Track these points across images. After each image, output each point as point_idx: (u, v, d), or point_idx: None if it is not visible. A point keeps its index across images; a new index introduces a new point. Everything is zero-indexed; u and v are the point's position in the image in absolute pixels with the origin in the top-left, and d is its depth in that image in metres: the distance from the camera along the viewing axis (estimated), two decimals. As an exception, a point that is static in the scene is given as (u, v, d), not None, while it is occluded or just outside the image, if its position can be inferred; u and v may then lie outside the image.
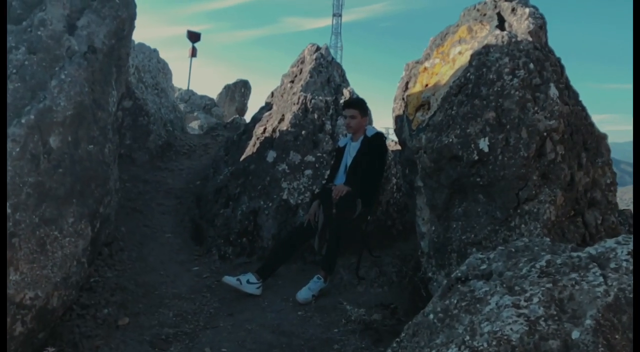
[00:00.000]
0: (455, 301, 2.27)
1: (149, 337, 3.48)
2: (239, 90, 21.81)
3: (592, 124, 3.24)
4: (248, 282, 4.03)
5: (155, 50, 9.40)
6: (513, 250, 2.51)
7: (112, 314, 3.74)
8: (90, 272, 3.94)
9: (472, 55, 3.48)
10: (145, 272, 4.50)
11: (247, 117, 14.28)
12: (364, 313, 3.51)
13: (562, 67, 3.35)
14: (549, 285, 2.06)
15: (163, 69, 9.50)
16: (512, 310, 1.99)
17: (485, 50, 3.39)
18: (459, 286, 2.37)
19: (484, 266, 2.50)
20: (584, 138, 3.16)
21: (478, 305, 2.17)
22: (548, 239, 2.55)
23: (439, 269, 3.48)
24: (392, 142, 7.22)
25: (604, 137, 3.23)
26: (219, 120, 15.90)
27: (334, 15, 58.54)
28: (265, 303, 3.94)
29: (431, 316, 2.31)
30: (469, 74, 3.43)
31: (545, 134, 2.99)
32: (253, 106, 21.69)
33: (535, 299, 2.01)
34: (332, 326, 3.53)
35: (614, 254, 2.10)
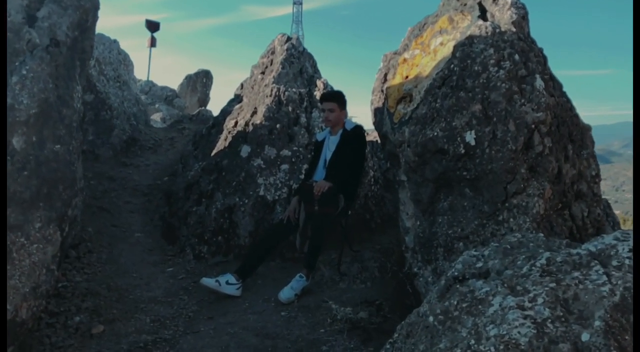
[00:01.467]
0: (456, 302, 2.20)
1: (126, 345, 3.30)
2: (201, 81, 21.39)
3: (577, 116, 3.23)
4: (227, 283, 3.89)
5: (115, 41, 9.01)
6: (509, 247, 2.47)
7: (85, 322, 3.55)
8: (57, 277, 3.73)
9: (455, 47, 3.41)
10: (117, 275, 4.30)
11: (212, 109, 13.93)
12: (350, 312, 3.42)
13: (545, 58, 3.32)
14: (552, 284, 2.01)
15: (124, 60, 9.12)
16: (518, 312, 1.93)
17: (469, 41, 3.32)
18: (458, 285, 2.31)
19: (479, 264, 2.44)
20: (570, 130, 3.14)
21: (480, 306, 2.11)
22: (542, 235, 2.51)
23: (425, 264, 3.43)
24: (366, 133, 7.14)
25: (588, 128, 3.22)
26: (181, 111, 15.51)
27: (294, 3, 58.12)
28: (246, 304, 3.81)
29: (431, 318, 2.24)
30: (452, 66, 3.36)
31: (533, 126, 2.95)
32: (215, 97, 21.22)
33: (540, 300, 1.96)
34: (318, 326, 3.43)
35: (615, 251, 2.07)
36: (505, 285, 2.15)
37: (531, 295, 2.01)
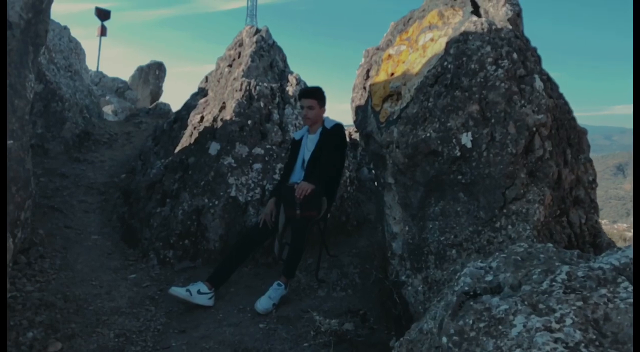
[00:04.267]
0: (471, 322, 2.02)
1: (88, 365, 2.97)
2: (153, 73, 20.68)
3: (574, 119, 3.12)
4: (199, 293, 3.59)
5: (66, 28, 8.45)
6: (519, 259, 2.30)
7: (40, 338, 3.17)
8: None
9: (447, 43, 3.24)
10: (74, 283, 3.92)
11: (165, 102, 13.34)
12: (336, 324, 3.20)
13: (539, 58, 3.19)
14: (579, 303, 1.85)
15: (75, 48, 8.56)
16: (547, 334, 1.76)
17: (464, 37, 3.15)
18: (471, 302, 2.12)
19: (489, 277, 2.27)
20: (568, 133, 3.02)
21: (500, 326, 1.93)
22: (551, 245, 2.36)
23: (415, 272, 3.24)
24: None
25: (584, 132, 3.12)
26: (133, 104, 14.87)
27: (249, -4, 57.28)
28: (220, 315, 3.52)
29: (444, 339, 2.04)
30: (446, 63, 3.18)
31: (534, 129, 2.81)
32: (167, 90, 20.52)
33: (568, 320, 1.80)
34: (301, 339, 3.19)
35: (641, 266, 1.94)
36: (526, 302, 1.98)
37: (557, 315, 1.84)
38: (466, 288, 2.22)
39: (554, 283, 2.01)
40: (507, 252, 2.44)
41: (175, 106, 8.92)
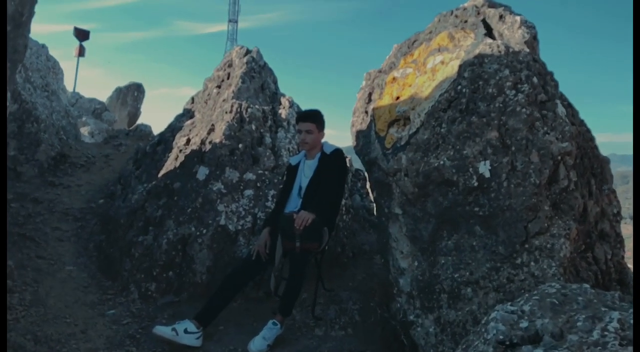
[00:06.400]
0: (514, 378, 1.77)
1: None
2: (132, 94, 20.33)
3: (596, 147, 2.94)
4: (186, 332, 3.26)
5: (44, 46, 8.11)
6: (556, 302, 2.07)
7: (5, 387, 2.80)
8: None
9: (461, 66, 3.05)
10: (46, 321, 3.54)
11: (143, 123, 12.93)
12: (339, 369, 2.90)
13: (557, 83, 3.02)
14: (641, 358, 1.62)
15: (53, 67, 8.21)
16: (610, 397, 1.51)
17: (479, 60, 2.97)
18: (511, 355, 1.87)
19: (524, 323, 2.02)
20: (591, 162, 2.84)
21: (550, 385, 1.68)
22: (588, 286, 2.14)
23: (426, 312, 2.98)
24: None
25: (607, 161, 2.94)
26: (111, 126, 14.48)
27: (229, 21, 57.52)
28: (209, 358, 3.20)
29: (484, 399, 1.78)
30: (460, 87, 2.98)
31: (559, 157, 2.61)
32: (145, 112, 20.08)
33: (633, 379, 1.56)
34: (301, 386, 2.89)
35: None
36: (576, 356, 1.74)
37: (618, 372, 1.60)
38: (501, 337, 1.97)
39: (606, 333, 1.77)
40: (539, 294, 2.21)
41: (153, 128, 8.61)
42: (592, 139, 2.92)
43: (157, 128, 6.11)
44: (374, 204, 3.93)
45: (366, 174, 6.14)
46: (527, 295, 2.23)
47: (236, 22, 57.76)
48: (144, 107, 20.78)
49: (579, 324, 1.89)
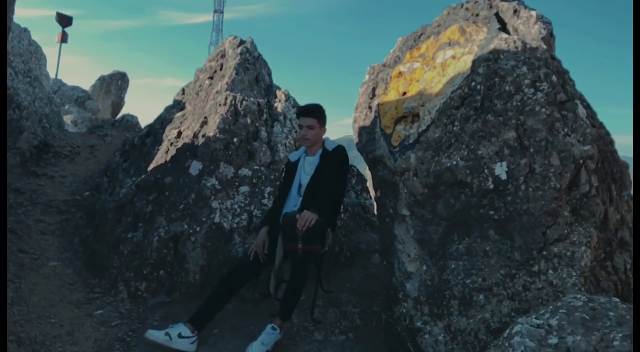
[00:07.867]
0: (550, 402, 1.64)
1: None
2: (116, 83, 19.87)
3: (616, 151, 2.82)
4: (180, 337, 3.09)
5: (26, 30, 7.79)
6: (586, 316, 1.95)
7: (-15, 396, 2.60)
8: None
9: (474, 61, 2.90)
10: (29, 320, 3.35)
11: (127, 113, 12.61)
12: (343, 378, 2.77)
13: (574, 83, 2.89)
14: (689, 383, 1.50)
15: (36, 53, 7.91)
16: None
17: (494, 56, 2.83)
18: (543, 375, 1.74)
19: (553, 339, 1.89)
20: (611, 167, 2.72)
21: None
22: (619, 300, 2.02)
23: (435, 319, 2.85)
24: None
25: (626, 166, 2.82)
26: (94, 115, 14.12)
27: (215, 11, 56.95)
28: (204, 364, 3.03)
29: None
30: (474, 83, 2.84)
31: (580, 161, 2.48)
32: (128, 101, 19.75)
33: (682, 407, 1.44)
34: (302, 396, 2.74)
35: None
36: (616, 378, 1.62)
37: (665, 399, 1.49)
38: (530, 354, 1.84)
39: (646, 353, 1.65)
40: (565, 307, 2.08)
41: (138, 119, 8.35)
42: (611, 142, 2.80)
43: (142, 118, 5.88)
44: (375, 203, 3.77)
45: (360, 170, 6.00)
46: (551, 307, 2.11)
47: (222, 12, 57.12)
48: (127, 97, 20.39)
49: (615, 343, 1.76)
